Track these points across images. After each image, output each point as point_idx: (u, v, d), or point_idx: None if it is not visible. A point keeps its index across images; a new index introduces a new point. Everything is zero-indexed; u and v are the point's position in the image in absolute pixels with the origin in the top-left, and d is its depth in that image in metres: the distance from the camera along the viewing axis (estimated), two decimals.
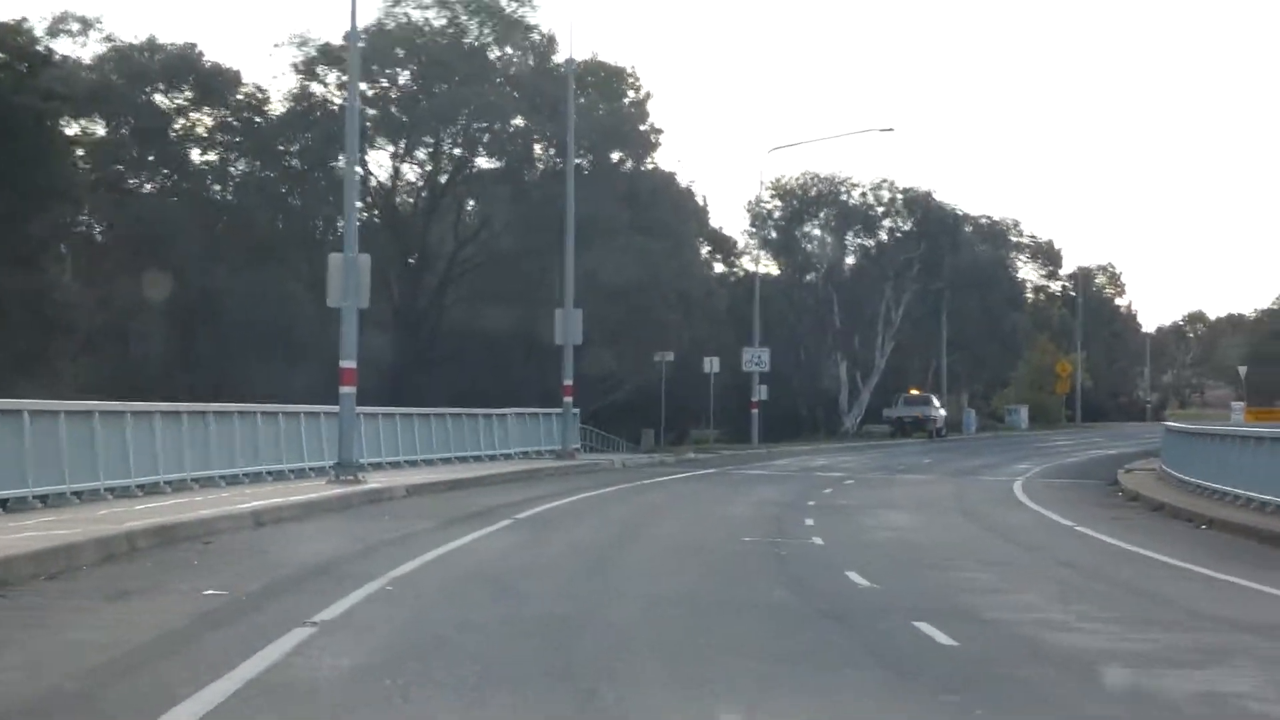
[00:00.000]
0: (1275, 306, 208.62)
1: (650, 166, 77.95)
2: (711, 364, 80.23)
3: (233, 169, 74.00)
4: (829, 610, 18.69)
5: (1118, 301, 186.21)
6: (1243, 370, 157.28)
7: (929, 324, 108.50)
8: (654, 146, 77.58)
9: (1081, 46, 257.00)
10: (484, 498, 40.59)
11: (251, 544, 26.36)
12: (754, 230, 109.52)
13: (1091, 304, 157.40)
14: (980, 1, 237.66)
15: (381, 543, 27.13)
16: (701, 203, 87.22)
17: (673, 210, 78.16)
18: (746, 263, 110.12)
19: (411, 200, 77.59)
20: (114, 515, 27.42)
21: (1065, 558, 27.43)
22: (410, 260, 75.94)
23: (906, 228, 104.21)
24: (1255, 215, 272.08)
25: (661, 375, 77.87)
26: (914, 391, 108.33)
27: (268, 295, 69.61)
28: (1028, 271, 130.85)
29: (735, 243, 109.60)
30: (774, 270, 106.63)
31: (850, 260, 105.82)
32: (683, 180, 79.69)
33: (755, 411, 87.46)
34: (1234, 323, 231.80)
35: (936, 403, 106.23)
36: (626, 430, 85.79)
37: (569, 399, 60.42)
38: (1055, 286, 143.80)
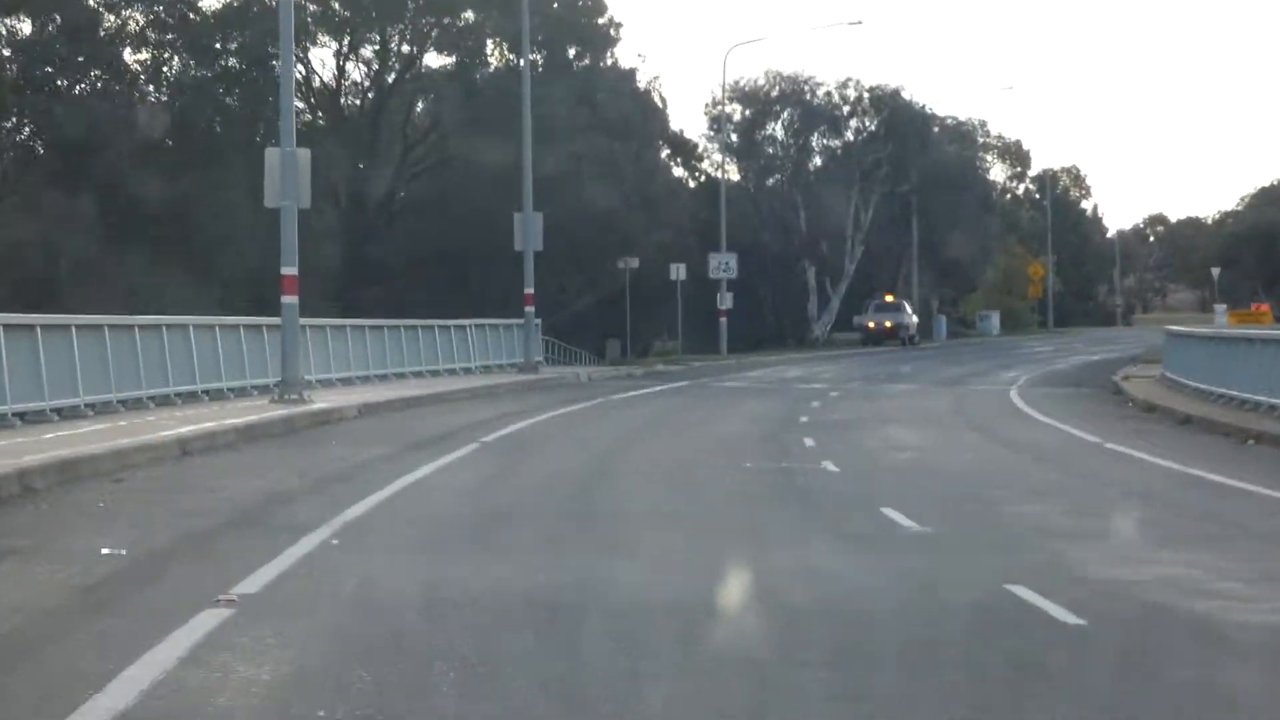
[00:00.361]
0: (1240, 208, 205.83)
1: (609, 63, 73.53)
2: (678, 271, 76.23)
3: (166, 70, 69.45)
4: (904, 573, 14.72)
5: (1083, 205, 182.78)
6: (1216, 272, 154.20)
7: (898, 228, 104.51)
8: (613, 41, 73.19)
9: None
10: (444, 417, 36.69)
11: (173, 480, 22.39)
12: (713, 134, 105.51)
13: (1057, 206, 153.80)
14: None
15: (327, 477, 23.20)
16: (660, 104, 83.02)
17: (635, 109, 73.82)
18: (708, 167, 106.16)
19: (358, 102, 73.21)
20: (14, 447, 23.39)
21: (1124, 484, 23.61)
22: (359, 165, 71.64)
23: (873, 128, 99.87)
24: (1215, 117, 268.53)
25: (625, 283, 73.91)
26: (886, 298, 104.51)
27: (205, 202, 65.27)
28: (996, 173, 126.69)
29: (696, 146, 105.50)
30: (735, 175, 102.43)
31: (816, 163, 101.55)
32: (644, 78, 75.21)
33: (723, 321, 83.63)
34: (1194, 225, 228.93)
35: (909, 309, 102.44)
36: (589, 342, 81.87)
37: (530, 309, 56.45)
38: (1022, 189, 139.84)
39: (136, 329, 34.52)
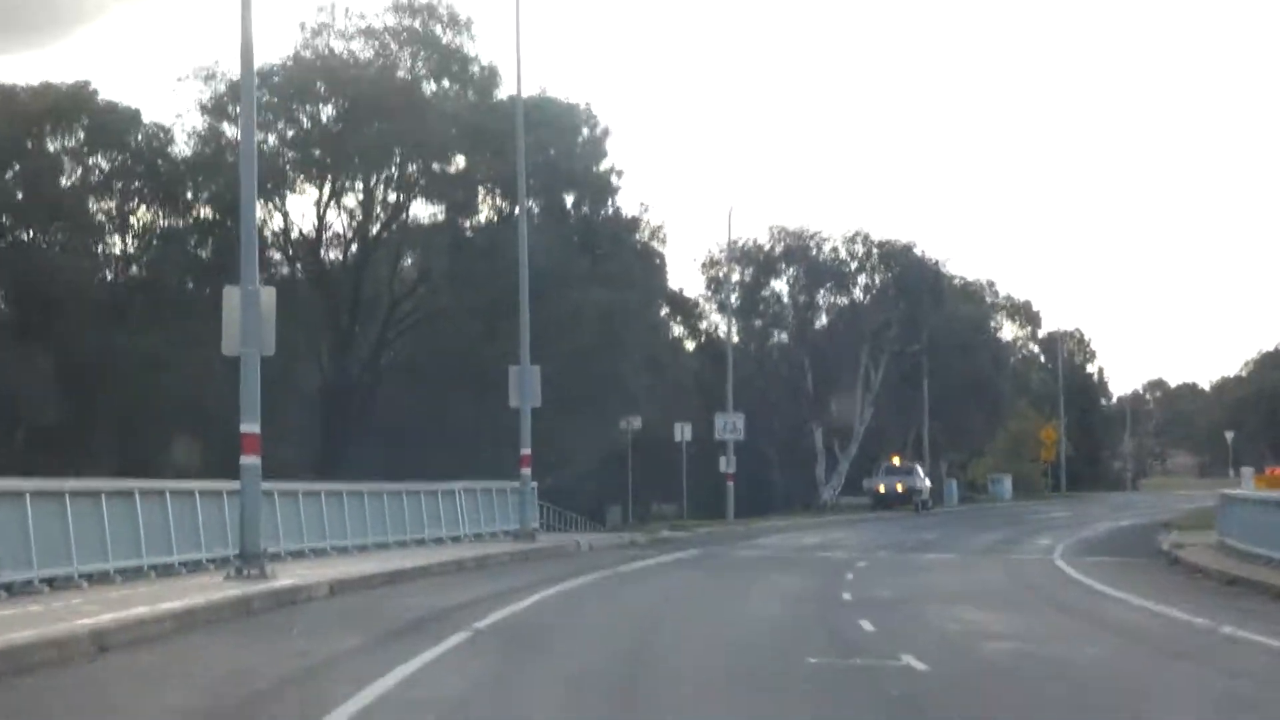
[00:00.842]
0: (1244, 373, 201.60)
1: (609, 212, 68.69)
2: (683, 431, 71.17)
3: (134, 218, 64.62)
4: None
5: (1088, 369, 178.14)
6: (1230, 436, 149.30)
7: (909, 389, 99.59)
8: (613, 189, 68.36)
9: (1045, 107, 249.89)
10: (431, 596, 31.43)
11: (74, 690, 17.12)
12: (710, 293, 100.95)
13: (1064, 369, 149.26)
14: (951, 57, 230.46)
15: (277, 683, 17.91)
16: (658, 260, 78.11)
17: (636, 260, 68.98)
18: (708, 326, 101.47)
19: (340, 255, 68.40)
20: None
21: None
22: (341, 320, 66.65)
23: (883, 285, 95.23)
24: (1212, 285, 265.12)
25: (628, 445, 68.85)
26: (896, 461, 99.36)
27: (175, 360, 60.21)
28: (1005, 333, 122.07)
29: (696, 304, 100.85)
30: (737, 336, 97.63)
31: (823, 321, 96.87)
32: (646, 228, 70.27)
33: (731, 484, 78.45)
34: (1193, 391, 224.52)
35: (921, 472, 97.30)
36: (586, 506, 76.68)
37: (527, 470, 51.23)
38: (1030, 350, 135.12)
39: (67, 495, 29.31)
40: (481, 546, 47.96)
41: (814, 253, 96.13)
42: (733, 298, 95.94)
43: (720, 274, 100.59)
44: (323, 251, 67.68)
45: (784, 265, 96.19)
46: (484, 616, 26.44)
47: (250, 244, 31.98)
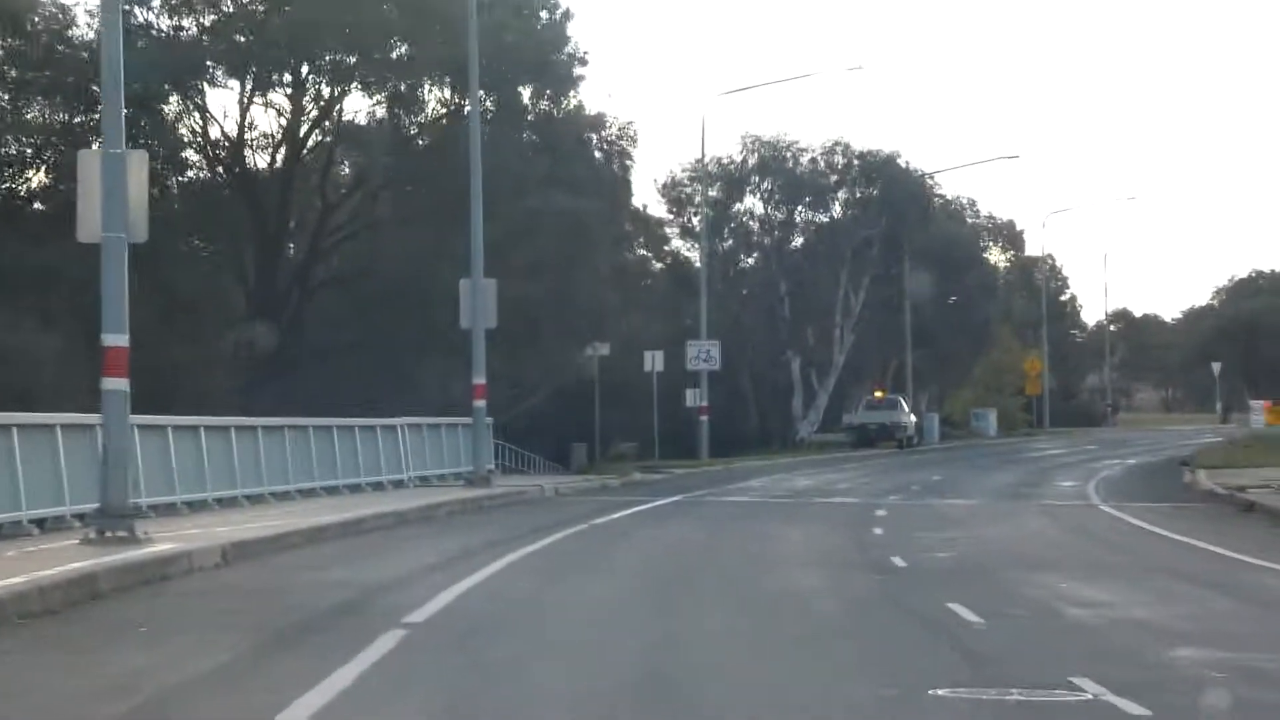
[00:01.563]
0: (1215, 303, 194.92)
1: (572, 106, 60.52)
2: (654, 360, 63.55)
3: (29, 113, 56.33)
4: None
5: (1061, 298, 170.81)
6: (1217, 367, 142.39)
7: (891, 314, 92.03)
8: (575, 81, 60.14)
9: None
10: (358, 564, 23.81)
11: None
12: (672, 218, 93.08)
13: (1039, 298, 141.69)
14: None
15: None
16: (628, 162, 69.87)
17: (603, 161, 60.91)
18: (673, 250, 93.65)
19: (268, 156, 60.30)
20: None
21: None
22: (268, 231, 58.59)
23: (865, 200, 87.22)
24: (1175, 213, 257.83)
25: (595, 374, 61.23)
26: (878, 394, 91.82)
27: (75, 272, 52.16)
28: (991, 256, 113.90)
29: (661, 223, 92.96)
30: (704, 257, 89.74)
31: (800, 241, 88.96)
32: (614, 123, 61.82)
33: (705, 419, 70.88)
34: (1154, 323, 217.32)
35: (905, 406, 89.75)
36: (546, 446, 68.97)
37: (481, 403, 43.43)
38: (1013, 274, 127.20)
39: None
40: (428, 494, 40.24)
41: (790, 165, 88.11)
42: (706, 210, 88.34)
43: (683, 194, 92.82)
44: (247, 153, 59.61)
45: (757, 179, 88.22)
46: (424, 601, 18.76)
47: (115, 83, 23.99)
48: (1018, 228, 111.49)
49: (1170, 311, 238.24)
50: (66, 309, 53.39)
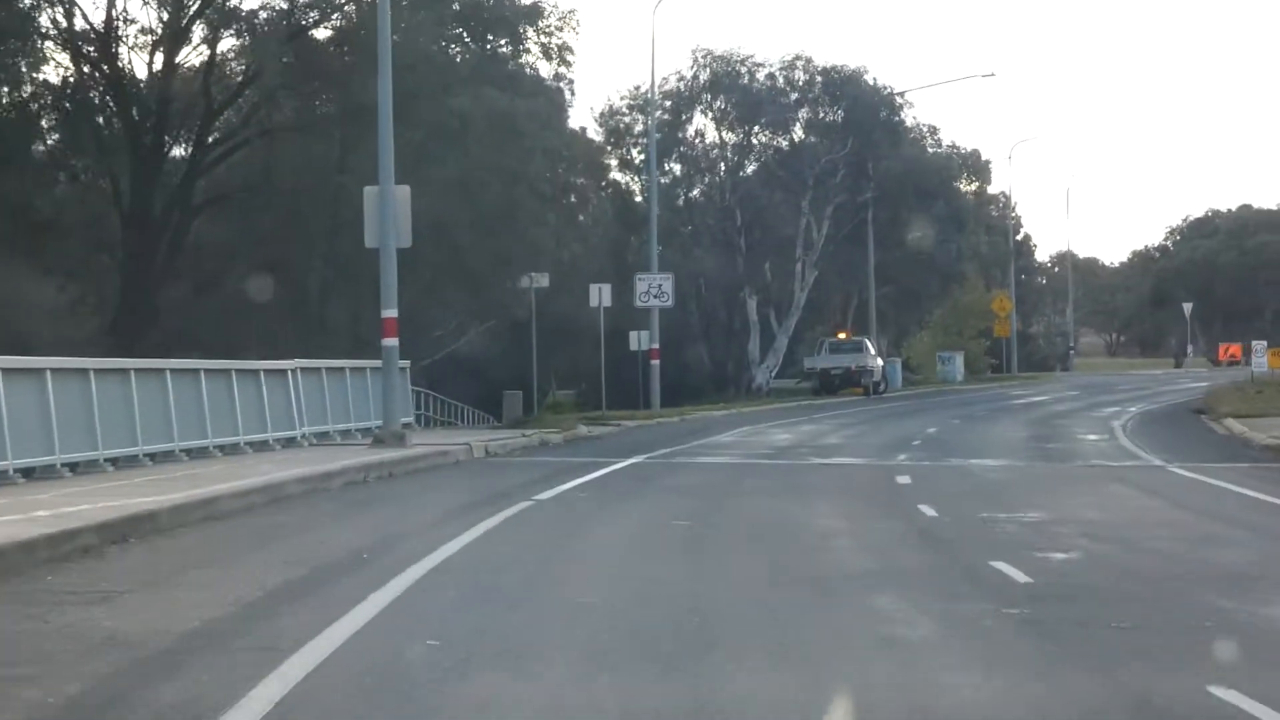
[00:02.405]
0: (1169, 244, 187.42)
1: None
2: (600, 294, 54.71)
3: None
4: None
5: (1017, 236, 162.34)
6: (1188, 308, 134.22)
7: (856, 249, 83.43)
8: None
9: None
10: (166, 592, 14.97)
11: None
12: (610, 149, 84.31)
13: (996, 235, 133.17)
14: None
15: None
16: (570, 59, 60.53)
17: (543, 55, 51.68)
18: (618, 179, 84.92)
19: (145, 55, 50.95)
20: None
21: None
22: (144, 139, 49.32)
23: (829, 119, 78.24)
24: (1117, 157, 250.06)
25: (532, 310, 52.34)
26: (842, 335, 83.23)
27: None
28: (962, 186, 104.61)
29: (601, 148, 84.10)
30: (639, 192, 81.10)
31: (755, 167, 79.95)
32: (554, 11, 52.05)
33: (655, 365, 62.19)
34: (1095, 266, 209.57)
35: (871, 349, 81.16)
36: (475, 392, 60.19)
37: (392, 342, 34.49)
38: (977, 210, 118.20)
39: None
40: (323, 457, 31.23)
41: (746, 81, 79.05)
42: (657, 116, 79.50)
43: (622, 124, 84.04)
44: (120, 49, 50.21)
45: (709, 97, 79.17)
46: (281, 660, 9.98)
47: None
48: (983, 158, 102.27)
49: (1115, 255, 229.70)
50: None
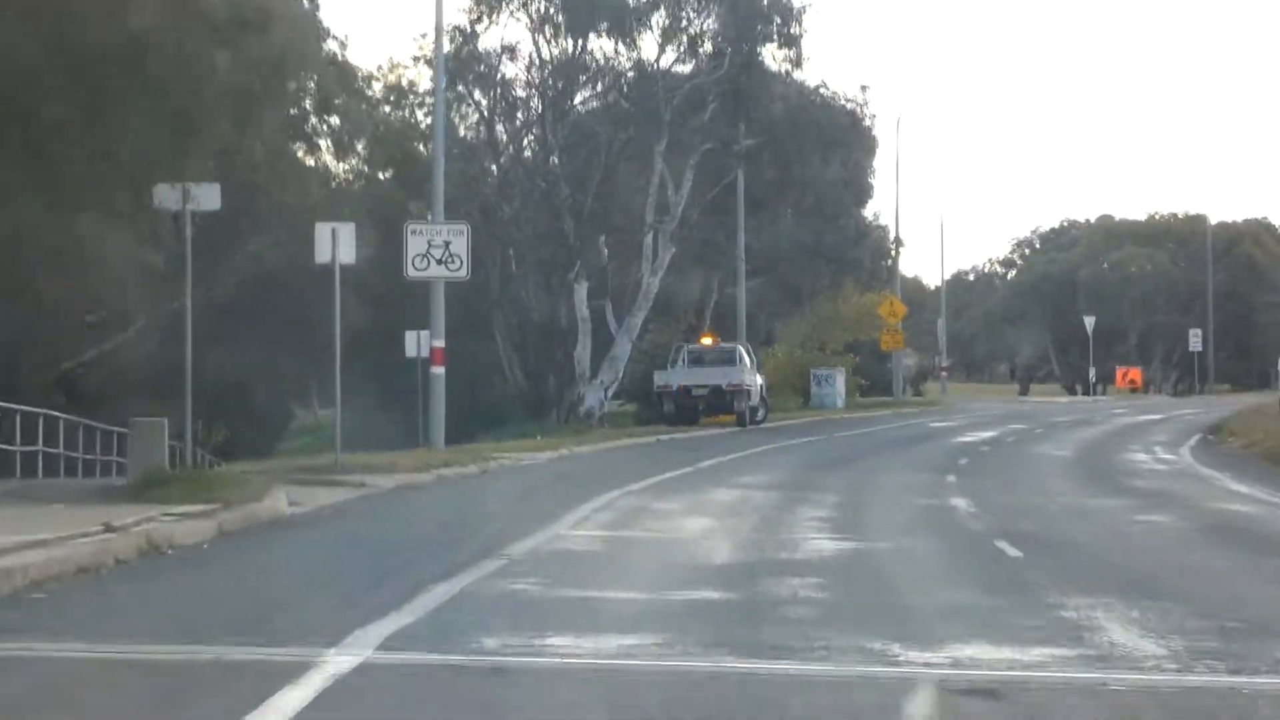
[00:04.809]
0: (1015, 256, 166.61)
1: None
2: (335, 240, 29.77)
3: None
4: None
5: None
6: (1090, 322, 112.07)
7: (719, 222, 59.56)
8: None
9: None
10: None
11: None
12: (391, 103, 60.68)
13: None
14: None
15: None
16: None
17: None
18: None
19: None
20: None
21: None
22: None
23: (699, 26, 53.52)
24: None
25: (187, 257, 27.71)
26: (707, 341, 59.50)
27: None
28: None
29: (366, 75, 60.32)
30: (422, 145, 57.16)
31: (590, 96, 55.32)
32: None
33: (440, 373, 38.23)
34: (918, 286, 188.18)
35: (747, 360, 57.50)
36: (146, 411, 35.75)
37: None
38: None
39: None
40: None
41: None
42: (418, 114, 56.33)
43: (405, 81, 60.28)
44: None
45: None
46: None
47: None
48: (866, 120, 76.37)
49: (932, 277, 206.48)
50: None
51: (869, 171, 66.53)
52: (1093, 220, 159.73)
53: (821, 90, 64.35)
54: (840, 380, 77.05)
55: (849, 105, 66.50)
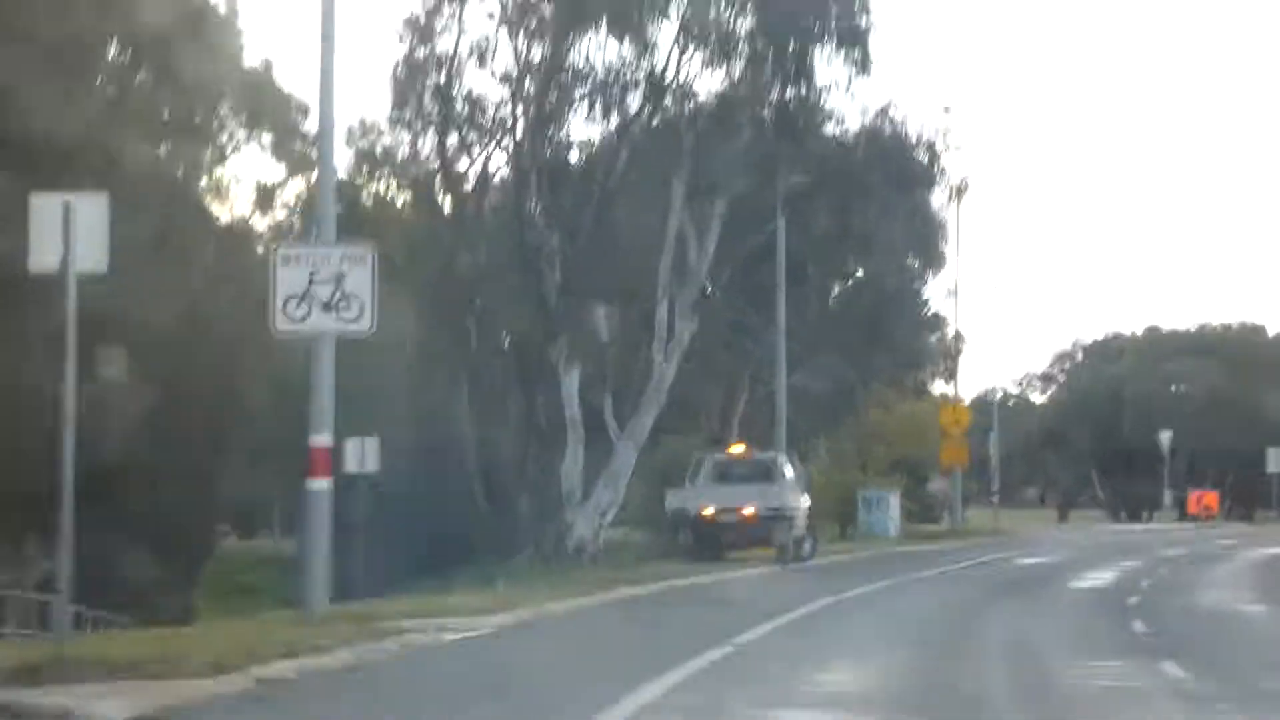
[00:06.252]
0: (1056, 372, 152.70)
1: None
2: (68, 226, 15.39)
3: None
4: None
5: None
6: (1166, 437, 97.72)
7: (754, 292, 45.02)
8: None
9: None
10: None
11: None
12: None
13: None
14: None
15: None
16: None
17: None
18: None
19: None
20: None
21: None
22: None
23: (733, 15, 38.73)
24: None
25: None
26: (735, 449, 45.33)
27: None
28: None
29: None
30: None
31: (580, 111, 40.73)
32: None
33: (323, 488, 23.48)
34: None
35: (789, 475, 43.35)
36: None
37: None
38: None
39: None
40: None
41: None
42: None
43: (380, 146, 46.55)
44: None
45: None
46: None
47: None
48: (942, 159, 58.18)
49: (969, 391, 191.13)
50: None
51: (940, 232, 51.11)
52: (1139, 333, 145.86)
53: (891, 114, 48.86)
54: (894, 504, 62.89)
55: (925, 137, 50.33)
